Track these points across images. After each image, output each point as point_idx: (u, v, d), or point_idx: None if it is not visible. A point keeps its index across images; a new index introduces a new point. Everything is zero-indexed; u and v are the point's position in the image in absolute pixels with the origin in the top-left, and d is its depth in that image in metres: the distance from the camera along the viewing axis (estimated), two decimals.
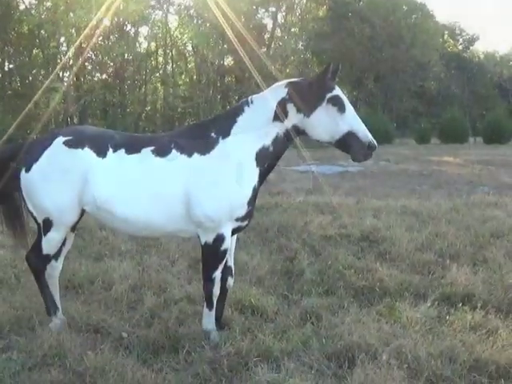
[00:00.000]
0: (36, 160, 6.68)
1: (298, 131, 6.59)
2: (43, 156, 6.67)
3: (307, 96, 6.43)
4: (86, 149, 6.64)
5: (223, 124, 6.64)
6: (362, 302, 8.22)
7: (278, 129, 6.54)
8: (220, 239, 6.56)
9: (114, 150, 6.66)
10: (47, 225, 6.81)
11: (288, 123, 6.51)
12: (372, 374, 5.74)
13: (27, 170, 6.71)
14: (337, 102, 6.36)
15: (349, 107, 6.41)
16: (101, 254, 10.42)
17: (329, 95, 6.37)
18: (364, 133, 6.32)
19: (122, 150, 6.65)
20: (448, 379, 5.83)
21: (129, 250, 10.70)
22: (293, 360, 6.16)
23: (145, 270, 9.38)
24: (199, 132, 6.72)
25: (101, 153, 6.63)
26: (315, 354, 6.25)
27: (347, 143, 6.37)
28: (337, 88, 6.44)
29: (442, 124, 67.34)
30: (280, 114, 6.49)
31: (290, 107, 6.49)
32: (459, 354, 6.24)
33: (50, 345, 6.37)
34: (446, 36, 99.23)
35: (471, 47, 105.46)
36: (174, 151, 6.57)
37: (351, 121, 6.36)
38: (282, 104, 6.51)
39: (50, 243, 6.91)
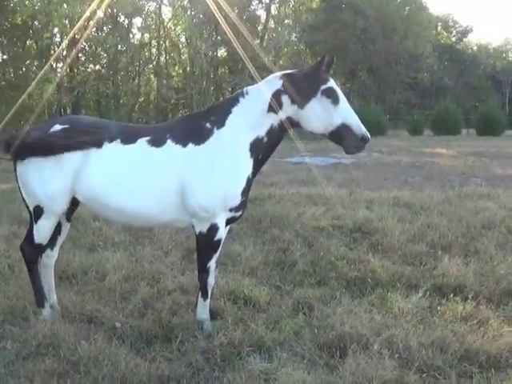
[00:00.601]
0: None
1: (293, 123, 6.62)
2: None
3: (301, 88, 6.46)
4: None
5: (218, 115, 6.67)
6: (354, 292, 8.28)
7: (272, 120, 6.58)
8: (214, 229, 6.60)
9: (110, 140, 6.68)
10: (38, 212, 6.86)
11: (282, 115, 6.55)
12: (363, 363, 5.78)
13: (23, 158, 6.75)
14: (331, 94, 6.39)
15: (343, 99, 6.44)
16: (94, 245, 10.45)
17: (323, 87, 6.40)
18: (358, 125, 6.35)
19: (118, 140, 6.68)
20: (439, 369, 5.87)
21: (122, 240, 10.73)
22: (285, 350, 6.21)
23: (138, 261, 9.41)
24: (194, 122, 6.74)
25: (97, 142, 6.66)
26: (307, 344, 6.30)
27: (341, 135, 6.40)
28: (331, 80, 6.47)
29: (435, 116, 67.43)
30: (274, 106, 6.52)
31: (285, 99, 6.53)
32: (450, 344, 6.30)
33: (44, 334, 6.40)
34: (439, 28, 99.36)
35: (464, 39, 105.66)
36: (169, 141, 6.60)
37: (345, 113, 6.39)
38: (277, 95, 6.54)
39: (41, 232, 6.95)
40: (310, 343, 6.33)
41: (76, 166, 6.59)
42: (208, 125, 6.61)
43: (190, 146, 6.53)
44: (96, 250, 10.10)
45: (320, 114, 6.39)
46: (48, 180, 6.65)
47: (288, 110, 6.53)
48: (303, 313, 7.31)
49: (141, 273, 8.82)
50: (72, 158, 6.60)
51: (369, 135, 6.39)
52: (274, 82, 6.64)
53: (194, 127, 6.66)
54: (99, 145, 6.66)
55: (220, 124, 6.59)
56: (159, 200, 6.58)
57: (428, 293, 7.99)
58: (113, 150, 6.65)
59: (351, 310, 7.29)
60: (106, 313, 7.21)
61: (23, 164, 6.75)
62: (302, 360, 6.01)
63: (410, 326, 6.80)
